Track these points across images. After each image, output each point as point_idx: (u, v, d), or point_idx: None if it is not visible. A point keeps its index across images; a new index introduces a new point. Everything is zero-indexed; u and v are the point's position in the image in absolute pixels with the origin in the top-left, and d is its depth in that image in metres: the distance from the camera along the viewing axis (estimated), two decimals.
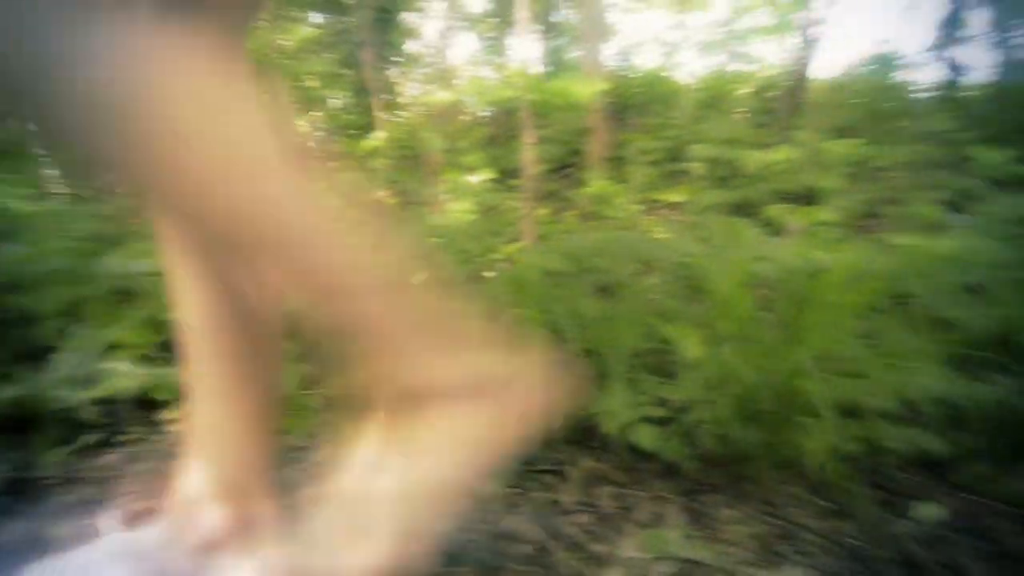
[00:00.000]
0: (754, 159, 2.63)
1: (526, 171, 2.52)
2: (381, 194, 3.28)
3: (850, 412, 0.85)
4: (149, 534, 0.62)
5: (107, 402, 0.98)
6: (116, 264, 1.24)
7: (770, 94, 4.11)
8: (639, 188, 2.96)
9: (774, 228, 1.91)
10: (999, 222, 1.58)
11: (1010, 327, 1.00)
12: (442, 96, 3.26)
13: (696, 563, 0.69)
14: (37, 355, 1.09)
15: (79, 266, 1.25)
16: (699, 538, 0.74)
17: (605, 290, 1.07)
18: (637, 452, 0.89)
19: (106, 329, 1.09)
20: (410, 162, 3.78)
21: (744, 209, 2.30)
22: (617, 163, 3.37)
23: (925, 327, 0.96)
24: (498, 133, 3.80)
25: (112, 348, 1.07)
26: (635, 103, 4.18)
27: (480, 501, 0.81)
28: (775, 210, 1.94)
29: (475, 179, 2.60)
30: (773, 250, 0.98)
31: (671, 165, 3.21)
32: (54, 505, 0.80)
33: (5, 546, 0.71)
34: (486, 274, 1.70)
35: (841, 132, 2.81)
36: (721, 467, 0.85)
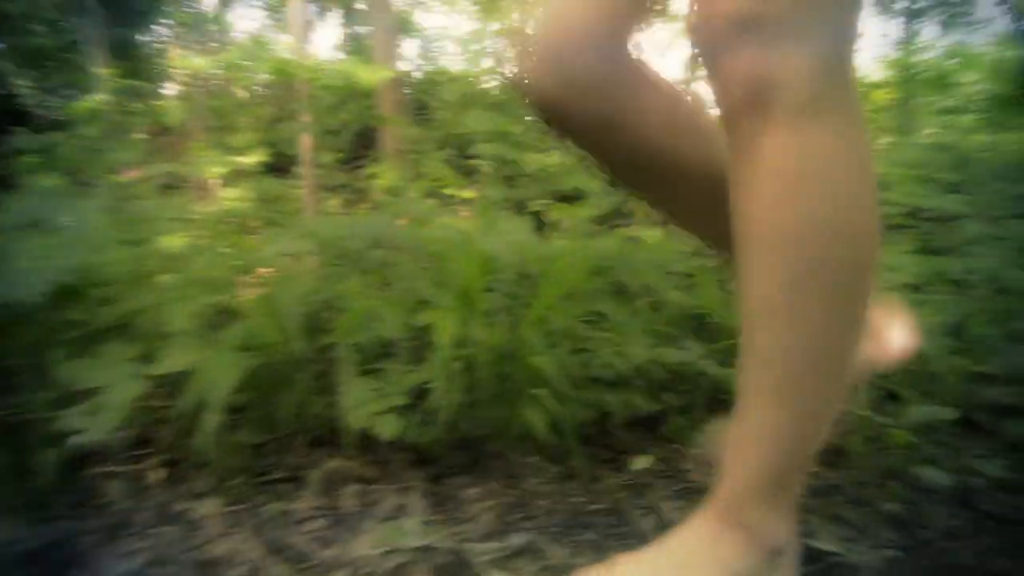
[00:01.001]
0: (533, 161, 2.84)
1: (305, 157, 2.34)
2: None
3: (579, 383, 0.94)
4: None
5: None
6: None
7: None
8: (432, 182, 2.98)
9: (544, 224, 2.08)
10: None
11: (704, 305, 1.21)
12: (207, 62, 2.85)
13: (428, 549, 0.68)
14: None
15: None
16: (437, 522, 0.74)
17: (361, 276, 1.01)
18: (389, 445, 0.86)
19: None
20: (171, 137, 3.23)
21: (523, 206, 2.46)
22: (412, 157, 3.34)
23: (642, 307, 1.11)
24: (281, 115, 3.47)
25: None
26: (433, 99, 4.20)
27: (187, 526, 0.70)
28: (542, 206, 2.11)
29: (245, 161, 2.32)
30: (520, 238, 1.04)
31: (465, 161, 3.30)
32: None
33: None
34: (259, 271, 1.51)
35: None
36: (465, 448, 0.86)
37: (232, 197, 2.62)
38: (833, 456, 0.98)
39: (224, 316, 0.84)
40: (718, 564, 0.51)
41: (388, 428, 0.76)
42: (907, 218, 2.59)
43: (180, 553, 0.66)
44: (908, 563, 0.71)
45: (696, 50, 0.46)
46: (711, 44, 0.44)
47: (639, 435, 1.05)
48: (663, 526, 0.76)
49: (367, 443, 0.84)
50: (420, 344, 0.86)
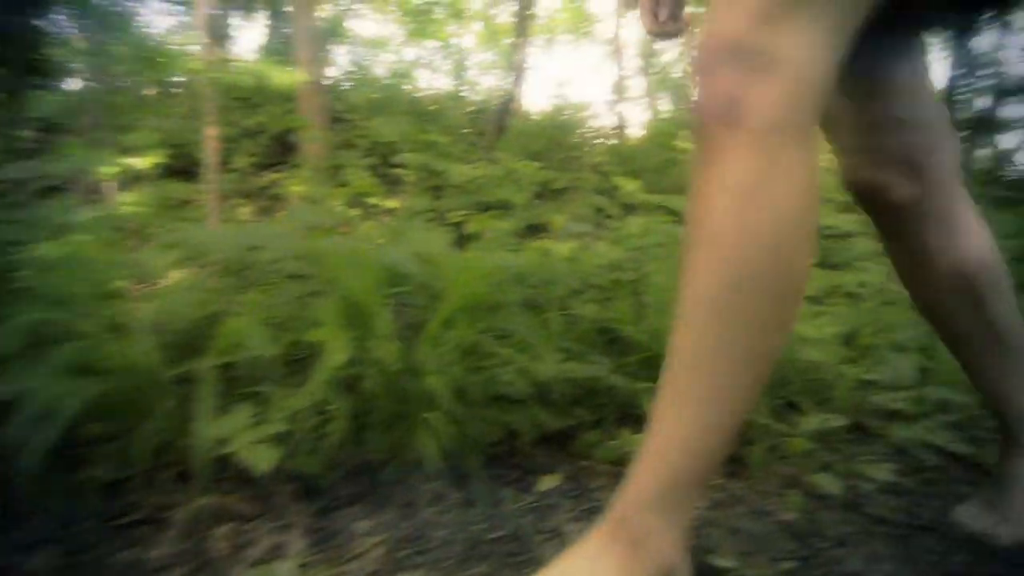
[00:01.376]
0: (459, 172, 2.80)
1: (211, 160, 2.16)
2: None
3: (483, 401, 0.89)
4: None
5: None
6: None
7: (481, 118, 4.50)
8: (355, 191, 2.87)
9: (465, 235, 2.04)
10: (626, 236, 1.98)
11: (617, 319, 1.21)
12: (103, 55, 2.60)
13: None
14: None
15: None
16: (317, 563, 0.67)
17: (249, 290, 0.92)
18: (271, 478, 0.77)
19: None
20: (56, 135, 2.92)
21: (445, 217, 2.42)
22: (333, 165, 3.21)
23: (554, 321, 1.09)
24: (188, 115, 3.23)
25: None
26: (359, 108, 4.08)
27: None
28: (462, 217, 2.08)
29: (140, 163, 2.12)
30: (430, 249, 0.99)
31: (389, 171, 3.21)
32: None
33: None
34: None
35: (529, 156, 3.22)
36: (357, 477, 0.79)
37: (128, 202, 2.40)
38: (734, 466, 1.00)
39: (71, 335, 0.73)
40: None
41: (262, 459, 0.68)
42: None
43: None
44: (802, 574, 0.72)
45: (693, 63, 0.51)
46: (702, 60, 0.49)
47: (549, 452, 1.02)
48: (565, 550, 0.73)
49: (245, 476, 0.75)
50: (306, 365, 0.79)
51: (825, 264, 2.46)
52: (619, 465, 1.01)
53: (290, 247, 0.85)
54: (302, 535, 0.71)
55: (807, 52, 0.47)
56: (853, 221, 2.88)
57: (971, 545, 0.77)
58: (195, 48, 3.13)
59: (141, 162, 2.13)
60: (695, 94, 0.50)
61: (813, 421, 1.08)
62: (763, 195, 0.47)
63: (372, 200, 2.87)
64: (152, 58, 2.57)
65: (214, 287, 0.91)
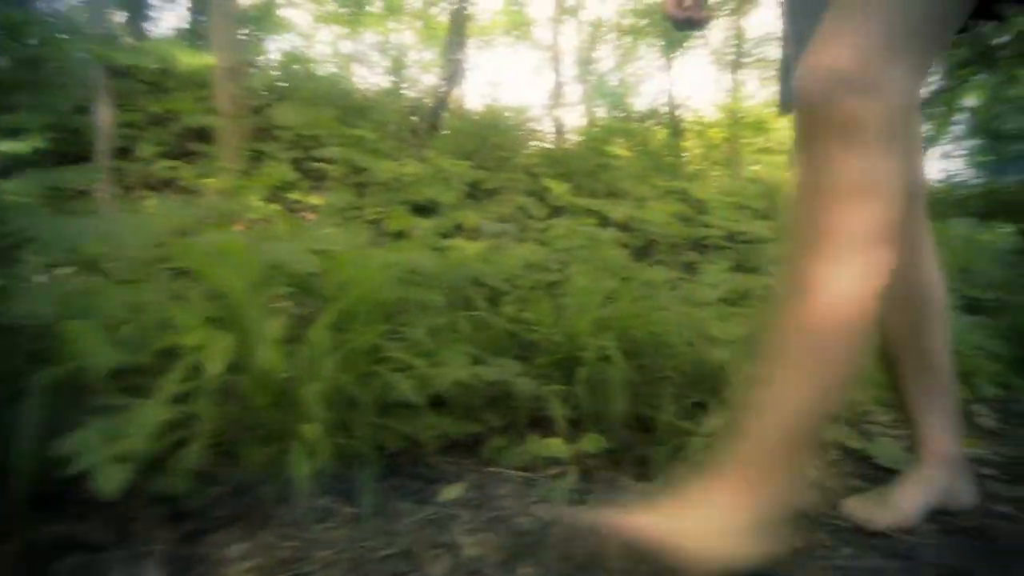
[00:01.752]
0: (386, 168, 2.71)
1: (103, 147, 1.97)
2: None
3: (380, 409, 0.85)
4: None
5: None
6: None
7: (415, 115, 4.40)
8: (275, 186, 2.71)
9: (392, 234, 1.97)
10: (552, 237, 1.98)
11: (530, 320, 1.19)
12: None
13: None
14: None
15: None
16: None
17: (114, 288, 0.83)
18: (134, 501, 0.69)
19: None
20: None
21: (365, 214, 2.33)
22: (251, 156, 3.02)
23: (462, 323, 1.06)
24: (81, 98, 2.94)
25: None
26: (286, 98, 3.87)
27: None
28: (380, 214, 2.00)
29: (18, 146, 1.89)
30: (326, 246, 0.93)
31: (312, 165, 3.06)
32: None
33: None
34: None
35: (462, 155, 3.17)
36: (235, 496, 0.72)
37: (8, 190, 2.14)
38: (641, 468, 1.00)
39: None
40: (729, 517, 0.58)
41: (111, 479, 0.60)
42: (725, 240, 2.91)
43: None
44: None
45: (796, 89, 0.63)
46: (812, 86, 0.61)
47: (456, 460, 0.99)
48: (458, 566, 0.70)
49: (99, 501, 0.67)
50: (173, 373, 0.71)
51: (740, 268, 2.58)
52: (528, 471, 0.99)
53: (158, 240, 0.77)
54: (162, 564, 0.63)
55: (903, 83, 0.60)
56: (768, 227, 3.05)
57: (856, 538, 0.80)
58: (87, 25, 2.86)
59: (21, 146, 1.90)
60: (800, 110, 0.63)
61: (715, 421, 1.11)
62: (872, 188, 0.59)
63: (293, 195, 2.73)
64: (42, 33, 2.32)
65: (73, 285, 0.80)
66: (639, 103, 9.77)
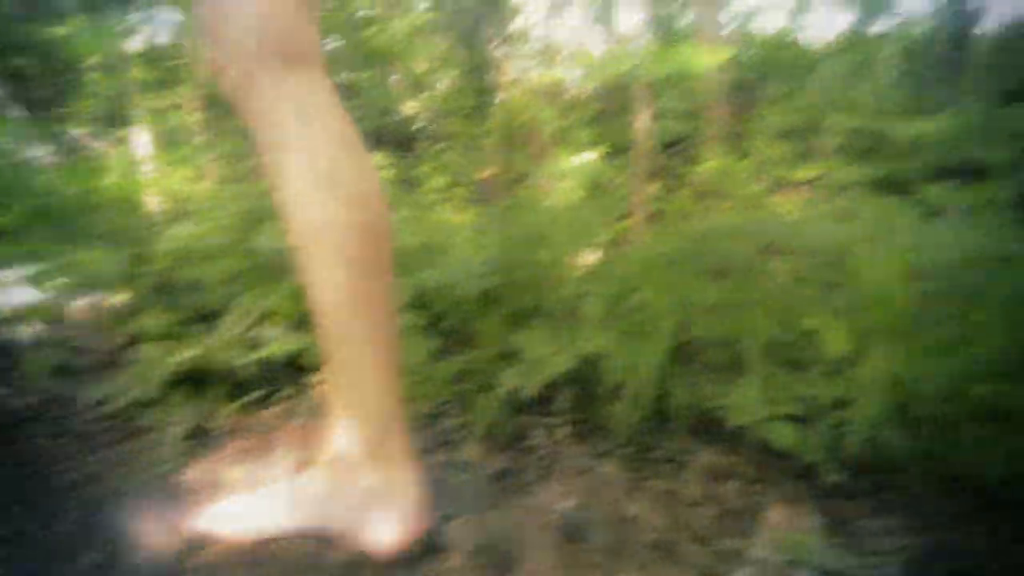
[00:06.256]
0: (904, 130, 2.33)
1: (638, 148, 2.43)
2: (490, 174, 3.35)
3: None
4: (310, 484, 0.70)
5: (265, 364, 1.11)
6: (266, 240, 1.38)
7: (924, 55, 3.59)
8: (763, 164, 2.74)
9: (929, 208, 1.68)
10: None
11: None
12: (549, 73, 3.21)
13: (838, 573, 0.64)
14: (207, 319, 1.26)
15: (237, 241, 1.42)
16: (840, 546, 0.69)
17: (728, 275, 1.01)
18: (767, 450, 0.84)
19: (261, 299, 1.22)
20: (518, 141, 3.80)
21: (890, 186, 2.05)
22: (737, 138, 3.13)
23: None
24: (607, 108, 3.68)
25: (266, 315, 1.21)
26: (758, 72, 3.84)
27: (597, 481, 0.82)
28: (931, 189, 1.70)
29: (584, 157, 2.55)
30: (934, 236, 0.87)
31: (800, 139, 2.93)
32: (228, 452, 0.92)
33: (189, 486, 0.84)
34: (593, 256, 1.68)
35: (1013, 96, 2.39)
36: (865, 474, 0.78)
37: (569, 188, 2.93)
38: None
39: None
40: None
41: (781, 437, 0.74)
42: None
43: (594, 503, 0.78)
44: None
45: None
46: None
47: None
48: None
49: (746, 443, 0.84)
50: (811, 353, 0.81)
51: None
52: None
53: (784, 234, 0.88)
54: (814, 514, 0.75)
55: None
56: None
57: None
58: (613, 45, 3.49)
59: (587, 155, 2.56)
60: None
61: None
62: None
63: (784, 173, 2.69)
64: (588, 62, 3.01)
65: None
66: None
